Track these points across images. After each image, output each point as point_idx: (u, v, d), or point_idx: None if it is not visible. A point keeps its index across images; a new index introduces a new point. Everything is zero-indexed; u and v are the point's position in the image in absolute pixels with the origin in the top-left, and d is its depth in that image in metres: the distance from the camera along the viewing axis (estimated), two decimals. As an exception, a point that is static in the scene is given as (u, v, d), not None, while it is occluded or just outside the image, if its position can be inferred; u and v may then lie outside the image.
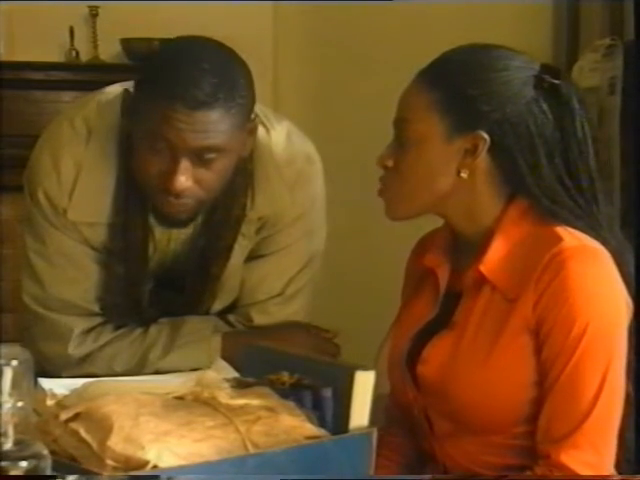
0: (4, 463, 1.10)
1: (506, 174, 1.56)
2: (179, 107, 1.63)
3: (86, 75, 3.55)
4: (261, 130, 1.85)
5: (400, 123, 1.60)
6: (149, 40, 3.43)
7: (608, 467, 1.48)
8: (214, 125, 1.65)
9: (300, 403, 1.40)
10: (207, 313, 1.93)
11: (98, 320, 1.87)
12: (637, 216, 1.54)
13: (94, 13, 3.58)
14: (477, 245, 1.57)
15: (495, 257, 1.54)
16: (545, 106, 1.55)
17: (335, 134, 3.63)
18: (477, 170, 1.56)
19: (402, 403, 1.65)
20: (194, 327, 1.88)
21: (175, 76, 1.65)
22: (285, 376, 1.45)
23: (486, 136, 1.54)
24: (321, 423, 1.39)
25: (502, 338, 1.51)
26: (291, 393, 1.41)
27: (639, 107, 1.56)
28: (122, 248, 1.83)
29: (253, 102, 1.74)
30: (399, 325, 1.68)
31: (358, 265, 3.71)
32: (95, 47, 3.61)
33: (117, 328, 1.88)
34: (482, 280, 1.55)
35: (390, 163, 1.59)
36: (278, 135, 1.89)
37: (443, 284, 1.61)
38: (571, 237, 1.51)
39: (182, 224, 1.83)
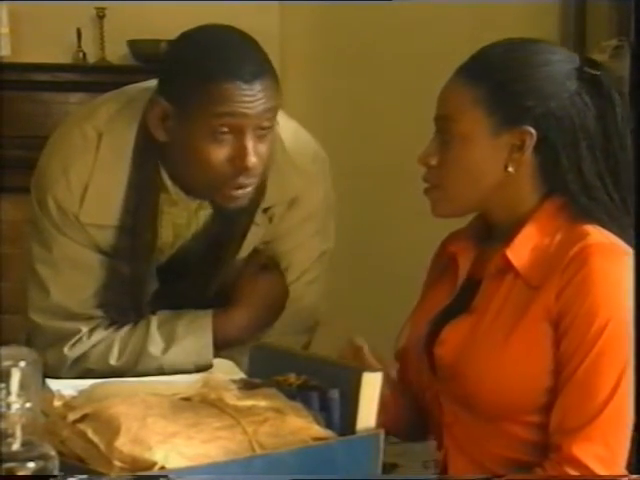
0: (12, 464, 1.10)
1: (547, 170, 1.57)
2: (240, 84, 1.69)
3: (93, 76, 3.56)
4: None
5: (443, 120, 1.59)
6: (156, 41, 3.44)
7: (619, 463, 1.48)
8: (268, 91, 1.73)
9: (307, 404, 1.40)
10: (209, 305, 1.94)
11: (97, 322, 1.88)
12: (637, 216, 1.54)
13: (101, 15, 3.58)
14: (507, 234, 1.58)
15: (522, 244, 1.55)
16: (587, 99, 1.56)
17: (342, 135, 3.63)
18: (522, 165, 1.57)
19: (416, 387, 1.65)
20: (192, 317, 1.89)
21: (224, 58, 1.72)
22: (292, 377, 1.45)
23: (533, 131, 1.55)
24: (328, 424, 1.39)
25: (521, 324, 1.52)
26: (298, 394, 1.41)
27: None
28: (129, 248, 1.84)
29: (277, 76, 1.79)
30: (419, 310, 1.69)
31: (366, 265, 3.72)
32: (102, 48, 3.61)
33: (110, 325, 1.89)
34: (506, 266, 1.55)
35: (434, 161, 1.59)
36: (287, 129, 1.91)
37: (464, 269, 1.62)
38: (599, 234, 1.52)
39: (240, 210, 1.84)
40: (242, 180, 1.74)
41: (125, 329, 1.87)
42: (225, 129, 1.71)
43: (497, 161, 1.57)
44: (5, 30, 3.48)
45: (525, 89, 1.55)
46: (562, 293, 1.50)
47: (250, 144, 1.71)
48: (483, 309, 1.56)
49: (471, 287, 1.60)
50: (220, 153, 1.72)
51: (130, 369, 1.84)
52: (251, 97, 1.70)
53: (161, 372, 1.84)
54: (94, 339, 1.86)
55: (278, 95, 1.76)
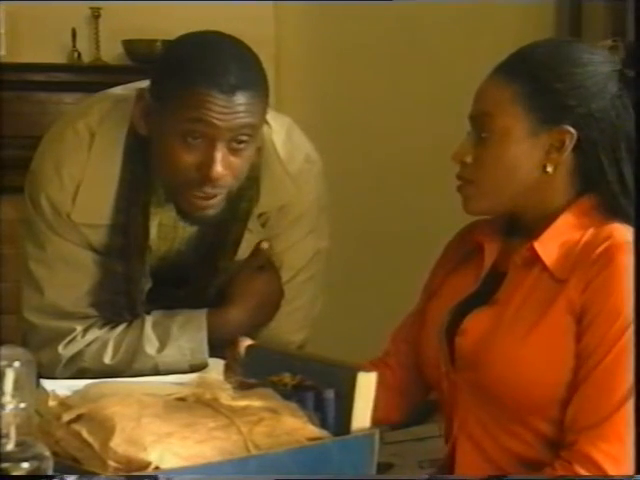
0: (6, 464, 1.10)
1: (585, 170, 1.57)
2: (216, 93, 1.68)
3: (88, 76, 3.55)
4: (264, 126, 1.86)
5: (481, 117, 1.59)
6: (151, 41, 3.44)
7: (629, 461, 1.47)
8: (249, 106, 1.71)
9: (302, 404, 1.40)
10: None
11: (92, 320, 1.88)
12: (636, 216, 1.55)
13: (96, 14, 3.58)
14: (534, 228, 1.58)
15: (551, 238, 1.55)
16: (627, 101, 1.56)
17: (337, 135, 3.63)
18: (560, 165, 1.56)
19: (431, 378, 1.66)
20: (187, 316, 1.89)
21: (208, 65, 1.70)
22: (287, 377, 1.45)
23: (573, 130, 1.54)
24: (323, 424, 1.39)
25: (545, 318, 1.52)
26: (293, 394, 1.41)
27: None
28: (122, 247, 1.84)
29: (269, 89, 1.78)
30: (438, 300, 1.68)
31: (361, 265, 3.71)
32: (97, 48, 3.61)
33: (105, 324, 1.89)
34: (533, 259, 1.55)
35: (469, 159, 1.59)
36: (279, 132, 1.91)
37: (489, 259, 1.62)
38: (629, 232, 1.52)
39: (208, 220, 1.83)
40: (207, 189, 1.74)
41: (120, 328, 1.88)
42: (196, 135, 1.70)
43: (534, 160, 1.56)
44: (1, 30, 3.48)
45: (566, 88, 1.55)
46: (588, 287, 1.49)
47: (219, 154, 1.70)
48: (507, 301, 1.56)
49: (494, 278, 1.60)
50: (188, 158, 1.72)
51: (125, 368, 1.84)
52: (226, 109, 1.69)
53: (156, 371, 1.84)
54: (88, 338, 1.87)
55: (262, 111, 1.75)
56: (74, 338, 1.87)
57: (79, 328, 1.87)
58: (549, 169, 1.56)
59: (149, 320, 1.88)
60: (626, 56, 3.03)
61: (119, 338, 1.87)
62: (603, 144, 1.55)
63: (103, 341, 1.87)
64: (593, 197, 1.57)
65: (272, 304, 1.93)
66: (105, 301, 1.88)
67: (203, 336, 1.87)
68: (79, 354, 1.86)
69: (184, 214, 1.82)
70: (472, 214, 1.63)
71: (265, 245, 1.92)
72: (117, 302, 1.88)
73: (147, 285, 1.89)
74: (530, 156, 1.56)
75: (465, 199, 1.61)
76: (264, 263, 1.94)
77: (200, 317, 1.88)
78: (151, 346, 1.86)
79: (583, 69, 1.56)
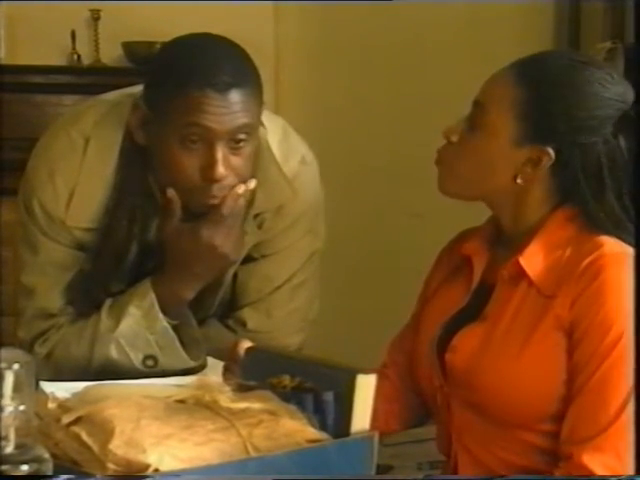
0: (5, 467, 1.10)
1: (565, 189, 1.56)
2: (210, 93, 1.68)
3: (88, 78, 3.55)
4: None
5: (478, 106, 1.59)
6: (150, 43, 3.44)
7: (627, 470, 1.47)
8: (245, 104, 1.71)
9: (301, 406, 1.40)
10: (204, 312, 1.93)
11: (69, 317, 1.88)
12: (637, 220, 1.54)
13: (96, 16, 3.58)
14: (518, 241, 1.58)
15: (535, 252, 1.55)
16: (623, 141, 1.54)
17: (335, 135, 3.63)
18: (535, 179, 1.56)
19: (426, 390, 1.66)
20: (133, 288, 1.85)
21: (199, 65, 1.70)
22: (286, 379, 1.45)
23: (552, 154, 1.54)
24: (322, 427, 1.39)
25: (535, 334, 1.51)
26: (292, 396, 1.41)
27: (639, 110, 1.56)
28: (101, 248, 1.83)
29: (262, 87, 1.78)
30: (430, 311, 1.69)
31: (357, 266, 3.71)
32: (97, 50, 3.61)
33: (74, 320, 1.88)
34: (519, 274, 1.55)
35: (455, 138, 1.60)
36: (274, 133, 1.90)
37: (478, 272, 1.62)
38: (614, 244, 1.52)
39: None
40: (215, 191, 1.74)
41: (82, 320, 1.86)
42: (195, 138, 1.70)
43: (509, 167, 1.56)
44: (0, 32, 3.48)
45: (562, 113, 1.54)
46: (576, 302, 1.49)
47: (219, 155, 1.71)
48: (496, 317, 1.56)
49: (483, 292, 1.60)
50: (190, 161, 1.72)
51: (89, 354, 1.82)
52: (222, 108, 1.69)
53: (121, 349, 1.81)
54: (60, 333, 1.86)
55: (258, 110, 1.75)
56: (49, 337, 1.86)
57: (56, 326, 1.87)
58: (519, 181, 1.56)
59: (106, 305, 1.86)
60: (625, 58, 3.04)
61: (81, 327, 1.85)
62: (585, 175, 1.54)
63: (69, 334, 1.86)
64: (569, 208, 1.57)
65: (208, 257, 1.80)
66: (80, 299, 1.87)
67: (151, 299, 1.81)
68: (52, 350, 1.86)
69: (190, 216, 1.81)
70: (445, 194, 1.63)
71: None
72: (90, 300, 1.87)
73: (120, 286, 1.87)
74: (506, 163, 1.56)
75: (439, 176, 1.63)
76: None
77: (144, 284, 1.84)
78: (107, 324, 1.82)
79: (586, 103, 1.54)
